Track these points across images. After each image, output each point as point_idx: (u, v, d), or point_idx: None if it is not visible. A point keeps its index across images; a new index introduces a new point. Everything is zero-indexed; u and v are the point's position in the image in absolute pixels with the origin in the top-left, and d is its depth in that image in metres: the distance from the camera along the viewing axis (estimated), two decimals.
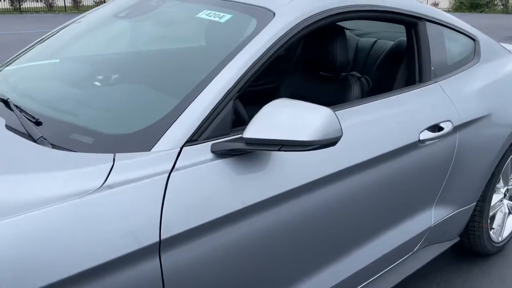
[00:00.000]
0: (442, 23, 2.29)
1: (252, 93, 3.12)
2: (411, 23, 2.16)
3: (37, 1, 23.32)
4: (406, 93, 2.04)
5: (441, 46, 2.26)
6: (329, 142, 1.31)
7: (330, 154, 1.62)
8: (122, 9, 2.18)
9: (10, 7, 22.23)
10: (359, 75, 2.24)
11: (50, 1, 23.22)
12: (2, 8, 21.97)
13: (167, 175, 1.25)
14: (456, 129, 2.12)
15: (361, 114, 1.81)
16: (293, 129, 1.30)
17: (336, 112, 1.74)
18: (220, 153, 1.37)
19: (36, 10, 22.58)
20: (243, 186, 1.37)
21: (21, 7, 22.14)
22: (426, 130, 1.98)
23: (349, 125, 1.73)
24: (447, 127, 2.06)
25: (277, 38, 1.59)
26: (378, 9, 1.98)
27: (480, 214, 2.53)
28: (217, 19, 1.76)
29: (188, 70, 1.58)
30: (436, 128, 2.03)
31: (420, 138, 1.94)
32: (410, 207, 2.06)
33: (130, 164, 1.23)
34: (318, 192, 1.58)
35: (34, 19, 18.18)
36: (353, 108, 1.81)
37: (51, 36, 2.20)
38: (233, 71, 1.47)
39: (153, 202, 1.20)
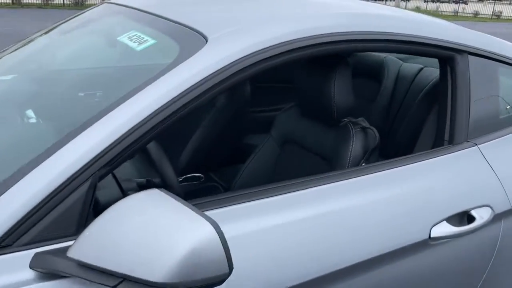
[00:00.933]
0: (495, 56, 1.59)
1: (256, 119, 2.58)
2: (445, 57, 1.50)
3: None
4: (424, 161, 1.39)
5: (489, 90, 1.57)
6: (202, 285, 0.76)
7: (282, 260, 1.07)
8: (74, 22, 1.74)
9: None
10: (365, 124, 1.62)
11: None
12: (93, 4, 23.10)
13: None
14: (499, 217, 1.43)
15: (348, 193, 1.24)
16: (145, 256, 0.76)
17: (313, 189, 1.20)
18: (45, 272, 0.86)
19: None
20: None
21: None
22: (444, 222, 1.32)
23: (328, 211, 1.18)
24: (482, 216, 1.38)
25: (199, 79, 1.04)
26: (386, 37, 1.36)
27: None
28: (135, 45, 1.25)
29: (49, 126, 1.09)
30: (464, 217, 1.37)
31: (432, 235, 1.29)
32: None
33: None
34: None
35: None
36: (338, 183, 1.24)
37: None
38: (102, 133, 0.95)
39: None
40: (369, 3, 1.65)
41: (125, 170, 1.60)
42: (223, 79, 1.07)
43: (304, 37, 1.18)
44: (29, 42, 1.73)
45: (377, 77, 2.60)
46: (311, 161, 1.71)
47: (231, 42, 1.12)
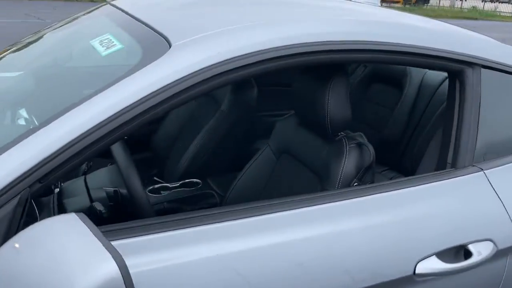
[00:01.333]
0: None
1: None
2: (454, 70, 1.35)
3: None
4: (421, 185, 1.25)
5: (504, 108, 1.40)
6: None
7: None
8: (71, 22, 1.71)
9: None
10: (362, 139, 1.48)
11: None
12: None
13: None
14: (504, 253, 1.27)
15: (331, 219, 1.13)
16: None
17: (292, 211, 1.09)
18: None
19: None
20: None
21: None
22: (434, 257, 1.17)
23: (307, 237, 1.08)
24: (481, 252, 1.22)
25: (151, 91, 0.96)
26: (385, 48, 1.22)
27: None
28: (103, 49, 1.18)
29: None
30: (459, 252, 1.21)
31: (417, 271, 1.15)
32: None
33: None
34: None
35: None
36: (322, 206, 1.13)
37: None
38: (39, 145, 0.89)
39: None
40: (367, 6, 1.51)
41: (101, 178, 1.55)
42: (179, 91, 0.98)
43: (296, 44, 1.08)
44: (29, 39, 1.72)
45: (398, 84, 2.43)
46: (304, 177, 1.59)
47: (194, 50, 1.03)
